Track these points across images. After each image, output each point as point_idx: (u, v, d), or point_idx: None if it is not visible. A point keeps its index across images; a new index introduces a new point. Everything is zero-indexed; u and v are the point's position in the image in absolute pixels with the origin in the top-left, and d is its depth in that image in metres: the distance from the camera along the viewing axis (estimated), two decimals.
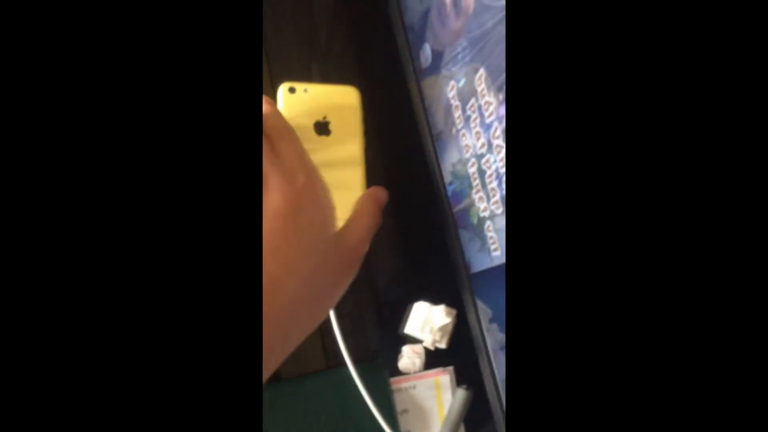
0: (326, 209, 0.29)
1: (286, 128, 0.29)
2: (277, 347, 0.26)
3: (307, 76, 0.43)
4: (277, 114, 0.30)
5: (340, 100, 0.38)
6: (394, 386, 0.37)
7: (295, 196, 0.27)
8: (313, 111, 0.38)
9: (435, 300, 0.38)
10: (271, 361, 0.26)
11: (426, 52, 0.37)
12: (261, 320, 0.24)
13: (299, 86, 0.38)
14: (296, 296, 0.26)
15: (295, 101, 0.38)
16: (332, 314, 0.38)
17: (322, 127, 0.38)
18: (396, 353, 0.38)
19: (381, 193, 0.33)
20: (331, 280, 0.29)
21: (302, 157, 0.29)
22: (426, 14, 0.36)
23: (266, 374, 0.26)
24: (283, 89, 0.38)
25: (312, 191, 0.28)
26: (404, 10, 0.40)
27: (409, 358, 0.38)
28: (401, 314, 0.39)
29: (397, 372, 0.38)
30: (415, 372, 0.38)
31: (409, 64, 0.39)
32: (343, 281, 0.30)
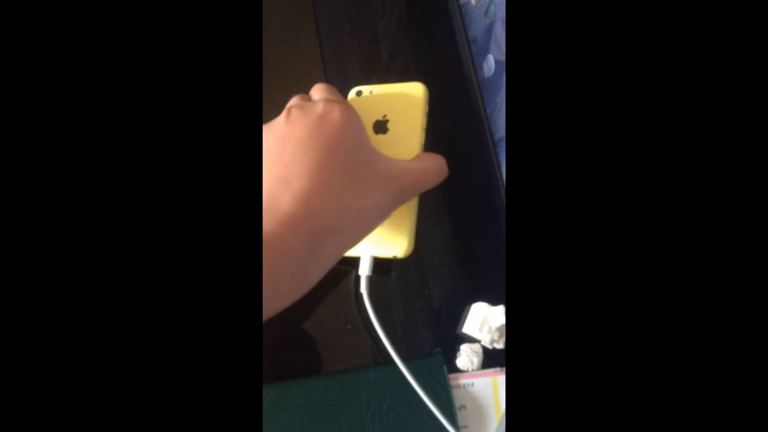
0: (352, 133, 0.31)
1: (323, 83, 0.35)
2: (313, 261, 0.28)
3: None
4: (326, 84, 0.35)
5: (403, 96, 0.38)
6: (452, 382, 0.38)
7: (314, 123, 0.30)
8: (374, 111, 0.38)
9: (493, 301, 0.39)
10: (309, 275, 0.28)
11: (489, 62, 0.39)
12: (261, 311, 0.24)
13: (366, 89, 0.39)
14: (328, 210, 0.28)
15: (360, 104, 0.38)
16: (373, 316, 0.40)
17: (381, 126, 0.38)
18: (454, 351, 0.39)
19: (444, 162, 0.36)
20: (369, 199, 0.30)
21: (327, 93, 0.34)
22: (490, 27, 0.38)
23: (304, 290, 0.28)
24: (351, 94, 0.39)
25: (330, 117, 0.30)
26: (468, 25, 0.42)
27: (468, 356, 0.39)
28: (459, 315, 0.40)
29: (455, 369, 0.39)
30: (473, 370, 0.39)
31: (472, 74, 0.41)
32: (381, 203, 0.31)
